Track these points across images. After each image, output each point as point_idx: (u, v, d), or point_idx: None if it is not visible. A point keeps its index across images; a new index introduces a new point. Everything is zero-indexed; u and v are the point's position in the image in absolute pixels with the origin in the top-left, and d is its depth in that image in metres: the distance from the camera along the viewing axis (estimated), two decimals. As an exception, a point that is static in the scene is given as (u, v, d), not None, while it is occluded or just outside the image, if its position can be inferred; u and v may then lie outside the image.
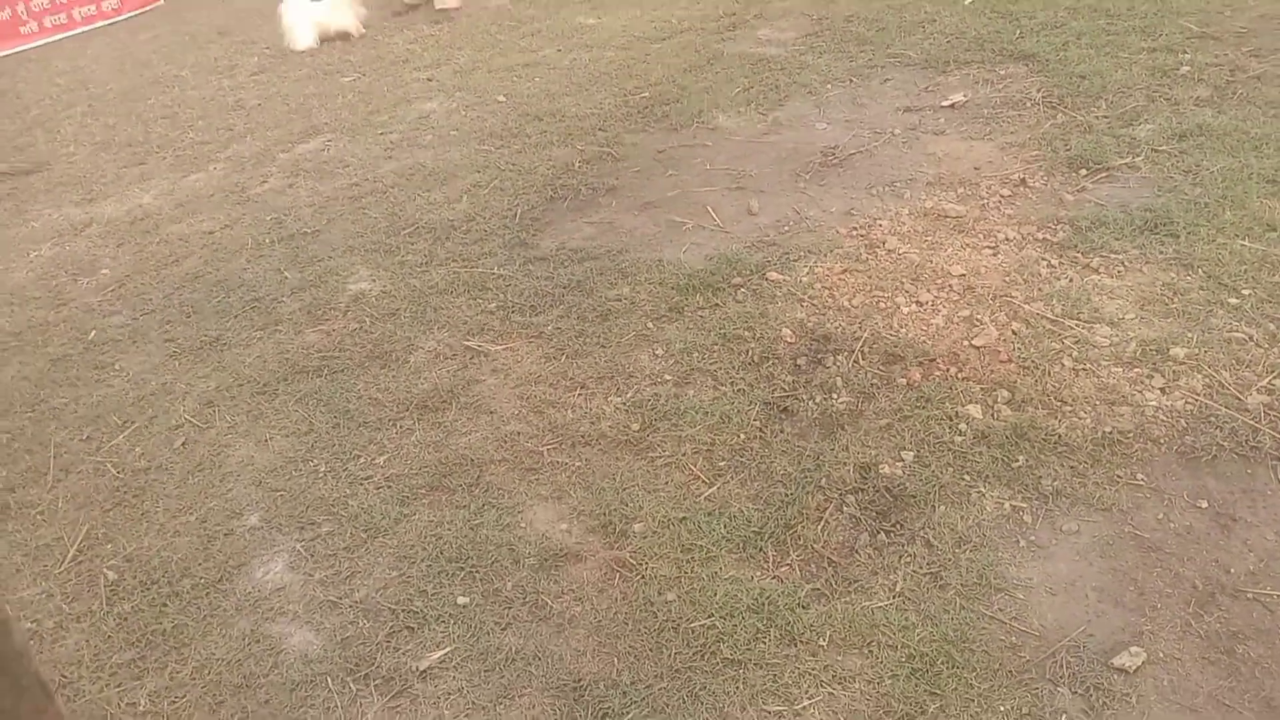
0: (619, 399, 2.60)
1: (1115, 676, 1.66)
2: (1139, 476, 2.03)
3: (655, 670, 1.84)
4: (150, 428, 2.86)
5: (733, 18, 5.24)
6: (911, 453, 2.22)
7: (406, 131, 4.62)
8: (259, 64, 6.13)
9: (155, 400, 2.99)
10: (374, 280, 3.42)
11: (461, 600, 2.07)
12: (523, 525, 2.25)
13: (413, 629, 2.03)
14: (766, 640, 1.84)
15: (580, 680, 1.85)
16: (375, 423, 2.69)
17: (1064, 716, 1.62)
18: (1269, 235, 2.64)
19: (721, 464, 2.32)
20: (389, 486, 2.45)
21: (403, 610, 2.07)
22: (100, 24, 8.06)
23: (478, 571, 2.14)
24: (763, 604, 1.91)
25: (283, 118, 5.13)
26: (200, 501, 2.51)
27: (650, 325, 2.88)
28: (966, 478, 2.12)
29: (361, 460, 2.56)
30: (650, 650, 1.88)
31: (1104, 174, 3.11)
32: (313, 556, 2.27)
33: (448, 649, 1.97)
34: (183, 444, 2.77)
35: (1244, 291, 2.46)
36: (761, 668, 1.80)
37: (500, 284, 3.23)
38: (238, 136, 4.99)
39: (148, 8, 8.28)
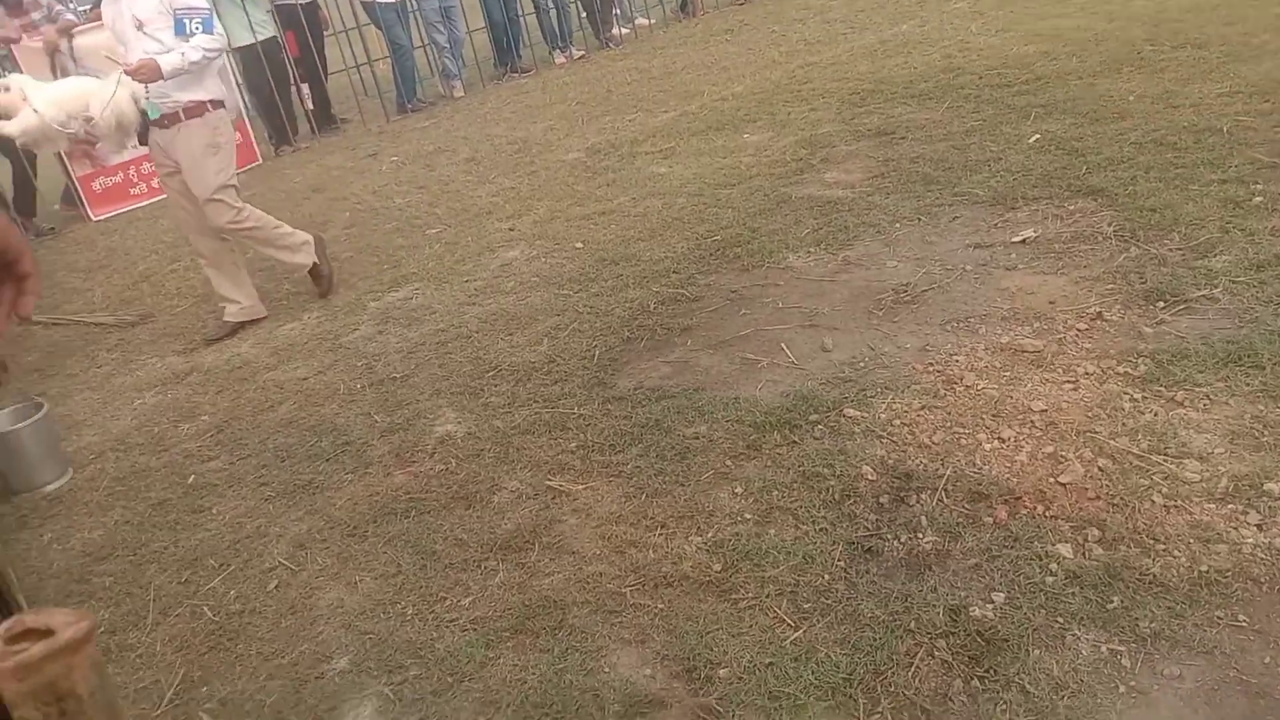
0: (699, 539, 2.61)
1: (1235, 836, 1.58)
2: (1240, 618, 1.96)
3: (746, 823, 1.79)
4: (245, 571, 2.95)
5: (799, 162, 5.42)
6: (1002, 594, 2.18)
7: (489, 279, 4.83)
8: (350, 219, 6.51)
9: (250, 543, 3.09)
10: (459, 423, 3.54)
11: (548, 747, 2.06)
12: (606, 670, 2.24)
13: (499, 777, 2.02)
14: (860, 792, 1.79)
15: (669, 833, 1.81)
16: (460, 564, 2.74)
17: None
18: (1360, 364, 2.59)
19: (806, 606, 2.30)
20: (474, 629, 2.47)
21: (489, 757, 2.07)
22: (206, 185, 8.64)
23: (563, 718, 2.13)
24: (855, 753, 1.87)
25: (372, 268, 5.41)
26: (292, 645, 2.57)
27: (729, 463, 2.91)
28: (1060, 620, 2.07)
29: (447, 602, 2.60)
30: (740, 802, 1.84)
31: (1182, 306, 3.11)
32: (401, 701, 2.29)
33: (535, 798, 1.95)
34: (275, 586, 2.85)
35: (1339, 423, 2.41)
36: (856, 822, 1.74)
37: (580, 423, 3.31)
38: (330, 287, 5.26)
39: (247, 167, 8.88)
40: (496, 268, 4.96)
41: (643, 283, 4.35)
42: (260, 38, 8.67)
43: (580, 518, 2.83)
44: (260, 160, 8.95)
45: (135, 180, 8.40)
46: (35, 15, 7.65)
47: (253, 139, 8.97)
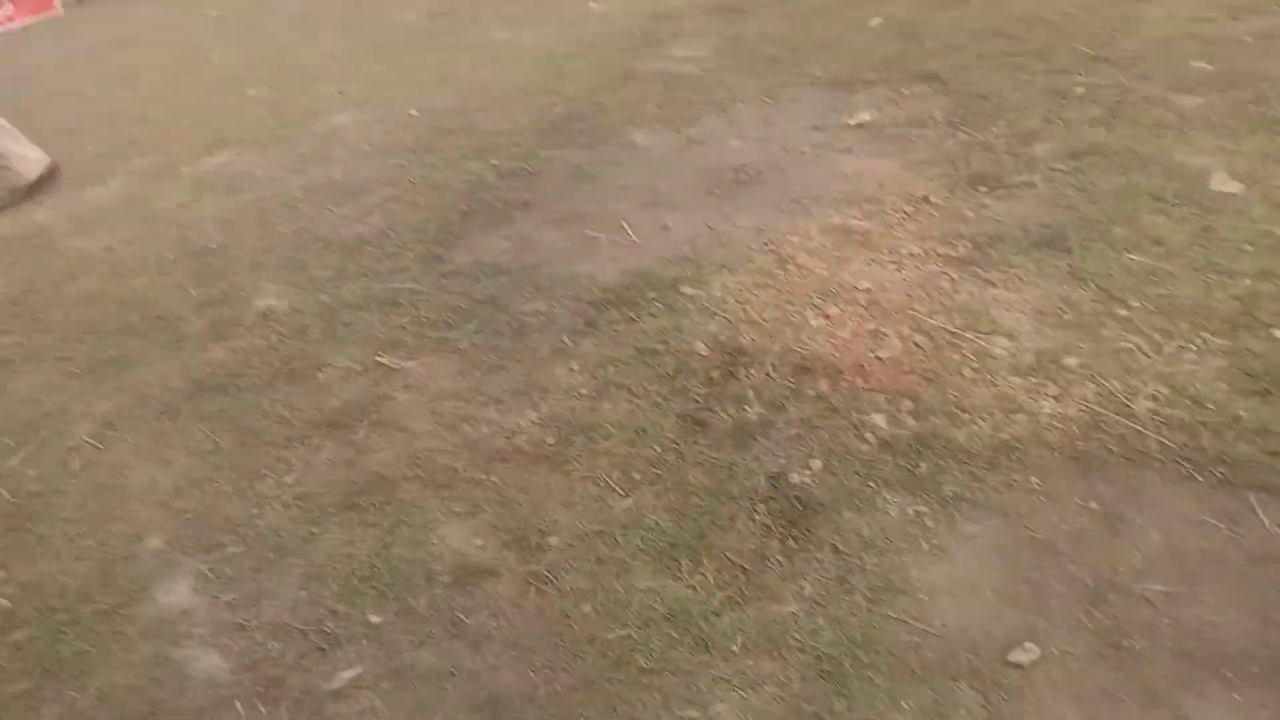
0: (534, 414, 2.60)
1: (1012, 672, 1.73)
2: (1034, 481, 2.12)
3: (571, 682, 1.84)
4: (46, 450, 2.76)
5: (647, 35, 5.30)
6: (820, 461, 2.27)
7: (316, 146, 4.55)
8: (162, 76, 5.97)
9: (51, 422, 2.88)
10: (282, 297, 3.36)
11: (374, 619, 2.05)
12: (435, 542, 2.23)
13: (324, 650, 1.99)
14: (681, 648, 1.86)
15: (496, 696, 1.84)
16: (283, 441, 2.64)
17: (963, 711, 1.67)
18: (1155, 250, 2.78)
19: (637, 476, 2.34)
20: (298, 506, 2.40)
21: (313, 631, 2.04)
22: (-7, 32, 7.75)
23: (391, 590, 2.11)
24: (677, 613, 1.94)
25: (187, 131, 5.01)
26: (100, 525, 2.43)
27: (566, 340, 2.89)
28: (871, 485, 2.18)
29: (269, 480, 2.51)
30: (566, 663, 1.88)
31: (1003, 191, 3.24)
32: (219, 578, 2.22)
33: (360, 669, 1.94)
34: (81, 466, 2.68)
35: (1132, 304, 2.58)
36: (676, 675, 1.81)
37: (413, 299, 3.21)
38: (140, 150, 4.84)
39: (41, 16, 7.99)
40: (325, 134, 4.68)
41: (481, 154, 4.20)
42: None
43: (412, 394, 2.77)
44: (58, 8, 8.06)
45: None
46: None
47: (48, -18, 8.06)
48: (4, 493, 2.58)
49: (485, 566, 2.15)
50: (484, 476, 2.40)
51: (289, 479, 2.51)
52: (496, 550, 2.19)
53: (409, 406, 2.71)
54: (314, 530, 2.31)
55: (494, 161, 4.12)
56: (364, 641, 1.99)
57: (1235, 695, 1.64)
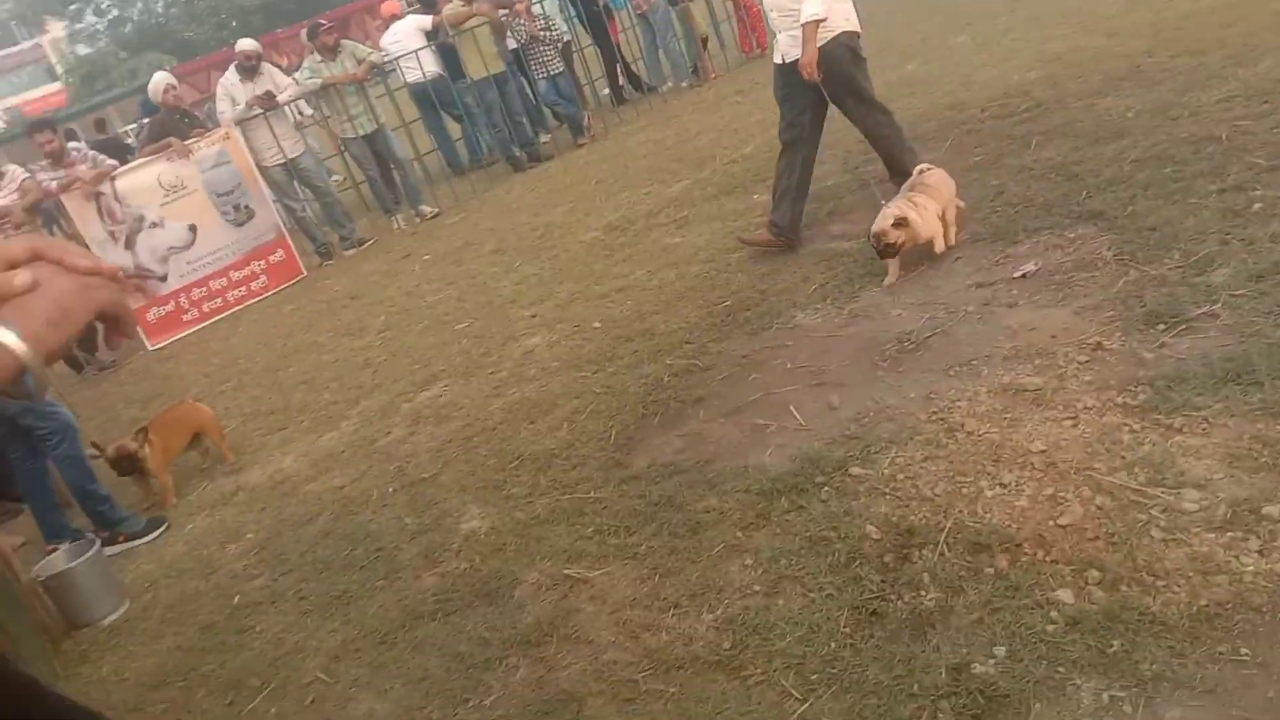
0: (710, 615, 2.64)
1: None
2: (1243, 652, 1.92)
3: None
4: (285, 688, 3.05)
5: (807, 218, 5.47)
6: (1003, 648, 2.16)
7: (513, 368, 4.95)
8: (385, 322, 6.73)
9: (289, 659, 3.19)
10: (483, 518, 3.62)
11: (562, 845, 2.09)
12: (621, 760, 2.27)
13: None
14: None
15: None
16: (483, 663, 2.80)
17: None
18: (1364, 370, 2.53)
19: (813, 677, 2.30)
20: (496, 729, 2.52)
21: None
22: (252, 302, 9.02)
23: (577, 813, 2.16)
24: (857, 829, 1.86)
25: (405, 369, 5.58)
26: (325, 760, 2.64)
27: (739, 535, 2.94)
28: (1061, 670, 2.04)
29: (471, 703, 2.66)
30: None
31: (1183, 326, 3.07)
32: (424, 809, 2.34)
33: None
34: (312, 701, 2.94)
35: (1342, 434, 2.35)
36: None
37: (596, 507, 3.37)
38: (366, 393, 5.43)
39: (292, 281, 9.23)
40: (519, 356, 5.09)
41: (657, 356, 4.42)
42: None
43: (597, 605, 2.87)
44: (304, 273, 9.29)
45: (186, 307, 8.80)
46: (82, 167, 8.14)
47: (295, 253, 9.34)
48: (248, 732, 2.87)
49: (667, 784, 2.16)
50: (663, 688, 2.44)
51: (488, 701, 2.65)
52: (677, 766, 2.20)
53: (594, 618, 2.82)
54: (509, 754, 2.41)
55: (668, 361, 4.33)
56: None
57: None
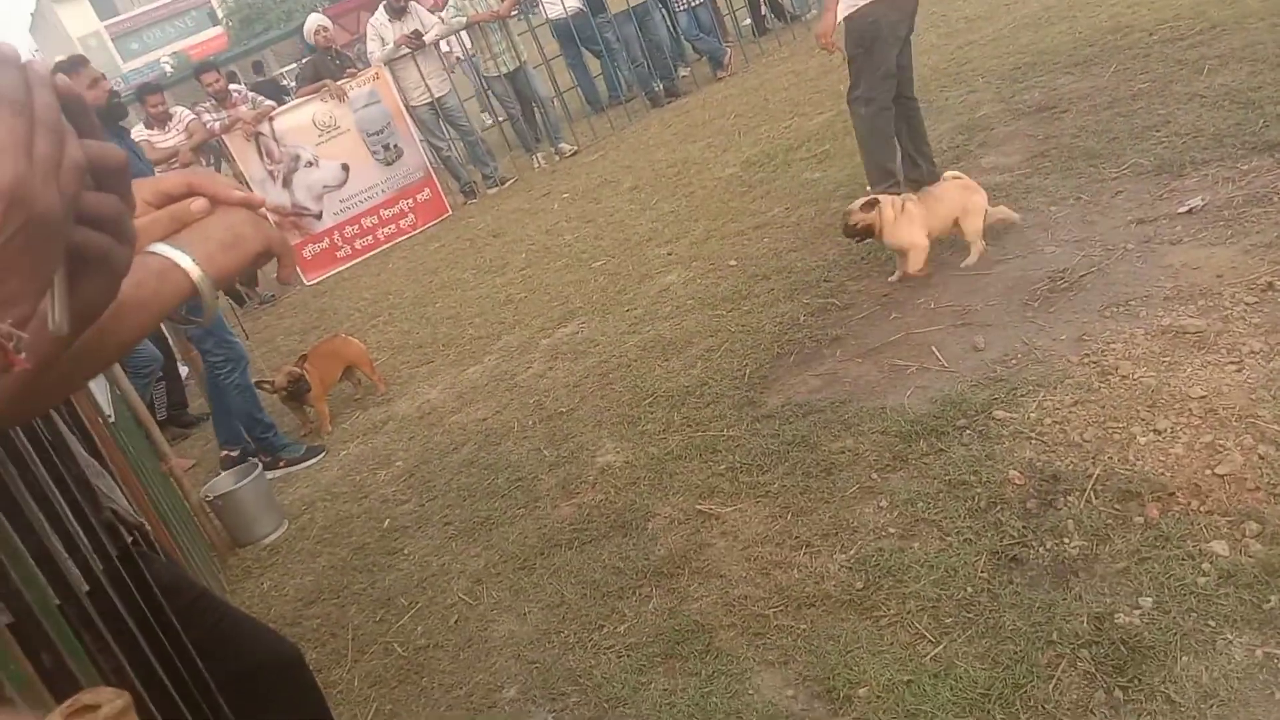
0: (843, 556, 2.63)
1: None
2: None
3: (878, 844, 1.81)
4: (430, 608, 3.22)
5: (956, 149, 5.26)
6: (1150, 599, 2.08)
7: (648, 306, 4.98)
8: (525, 259, 6.87)
9: (435, 581, 3.37)
10: (618, 452, 3.69)
11: (691, 769, 2.15)
12: (750, 692, 2.31)
13: (647, 798, 2.13)
14: (992, 813, 1.77)
15: None
16: (617, 592, 2.88)
17: None
18: None
19: (948, 621, 2.28)
20: (629, 655, 2.60)
21: (638, 779, 2.18)
22: (400, 239, 9.35)
23: (706, 739, 2.21)
24: (988, 772, 1.85)
25: (544, 306, 5.70)
26: (469, 676, 2.79)
27: (874, 476, 2.90)
28: (1211, 623, 1.95)
29: (605, 629, 2.75)
30: (873, 822, 1.86)
31: (1372, 264, 2.82)
32: (561, 726, 2.45)
33: (678, 819, 2.04)
34: (456, 621, 3.09)
35: None
36: (987, 843, 1.73)
37: (729, 445, 3.39)
38: (507, 328, 5.59)
39: (438, 219, 9.52)
40: (655, 294, 5.11)
41: (793, 295, 4.37)
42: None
43: (728, 540, 2.91)
44: (449, 210, 9.56)
45: (340, 243, 9.21)
46: (243, 108, 8.56)
47: (440, 192, 9.60)
48: (398, 648, 3.05)
49: (796, 718, 2.18)
50: (794, 624, 2.46)
51: (622, 628, 2.73)
52: (806, 701, 2.22)
53: (725, 553, 2.85)
54: (641, 680, 2.49)
55: (805, 300, 4.27)
56: (683, 791, 2.10)
57: None
